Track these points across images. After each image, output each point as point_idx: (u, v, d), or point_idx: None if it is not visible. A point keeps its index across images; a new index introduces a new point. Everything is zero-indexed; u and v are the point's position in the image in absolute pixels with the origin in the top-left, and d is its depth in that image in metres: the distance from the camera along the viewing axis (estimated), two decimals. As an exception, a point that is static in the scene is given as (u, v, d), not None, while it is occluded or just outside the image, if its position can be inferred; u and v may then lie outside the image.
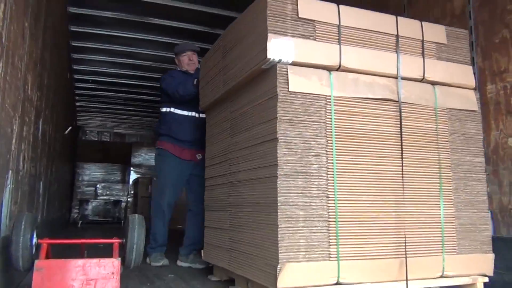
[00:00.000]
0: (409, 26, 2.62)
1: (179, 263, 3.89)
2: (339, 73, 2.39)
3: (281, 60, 2.26)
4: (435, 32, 2.69)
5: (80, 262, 2.23)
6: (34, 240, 2.32)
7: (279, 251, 2.11)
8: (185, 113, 4.00)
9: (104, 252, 2.53)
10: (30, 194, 3.61)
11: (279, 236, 2.12)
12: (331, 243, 2.21)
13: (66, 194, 9.27)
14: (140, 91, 8.71)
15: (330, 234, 2.22)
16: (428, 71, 2.60)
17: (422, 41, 2.63)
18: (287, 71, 2.26)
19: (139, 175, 10.57)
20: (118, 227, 8.57)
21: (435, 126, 2.56)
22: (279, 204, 2.15)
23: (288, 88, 2.24)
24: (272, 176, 2.21)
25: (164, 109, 4.09)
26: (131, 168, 11.03)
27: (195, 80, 3.76)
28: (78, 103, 9.76)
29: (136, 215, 2.56)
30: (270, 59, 2.25)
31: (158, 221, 3.96)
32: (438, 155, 2.54)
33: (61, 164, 6.93)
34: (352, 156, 2.34)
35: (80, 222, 9.60)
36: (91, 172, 11.09)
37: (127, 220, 2.52)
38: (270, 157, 2.26)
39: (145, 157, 11.17)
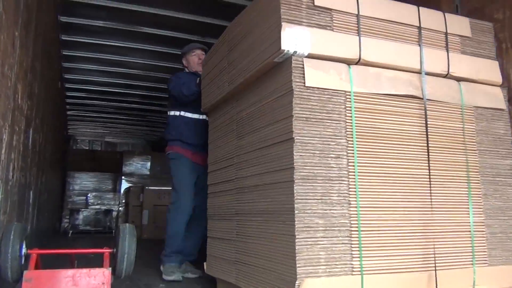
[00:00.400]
0: (431, 17, 2.40)
1: None
2: (359, 67, 2.17)
3: (296, 52, 2.04)
4: (459, 25, 2.48)
5: (70, 272, 2.18)
6: (24, 250, 2.24)
7: (297, 265, 1.87)
8: (196, 116, 3.79)
9: (94, 262, 2.45)
10: (19, 204, 3.59)
11: (296, 248, 1.89)
12: (353, 255, 1.98)
13: (57, 204, 9.11)
14: (131, 100, 8.70)
15: (353, 245, 1.99)
16: (452, 66, 2.39)
17: (446, 33, 2.42)
18: (303, 64, 2.03)
19: (130, 184, 10.32)
20: (109, 237, 8.37)
21: (462, 126, 2.35)
22: (296, 212, 1.92)
23: (304, 83, 2.02)
24: (288, 181, 1.99)
25: (172, 113, 3.88)
26: (123, 177, 10.80)
27: (198, 79, 3.55)
28: (69, 112, 9.72)
29: (127, 224, 2.48)
30: (284, 50, 2.02)
31: (175, 225, 3.64)
32: (466, 157, 2.32)
33: (51, 174, 6.86)
34: (375, 158, 2.11)
35: (71, 232, 9.33)
36: (82, 181, 10.88)
37: (118, 229, 2.44)
38: (284, 160, 2.03)
39: (136, 166, 10.96)
